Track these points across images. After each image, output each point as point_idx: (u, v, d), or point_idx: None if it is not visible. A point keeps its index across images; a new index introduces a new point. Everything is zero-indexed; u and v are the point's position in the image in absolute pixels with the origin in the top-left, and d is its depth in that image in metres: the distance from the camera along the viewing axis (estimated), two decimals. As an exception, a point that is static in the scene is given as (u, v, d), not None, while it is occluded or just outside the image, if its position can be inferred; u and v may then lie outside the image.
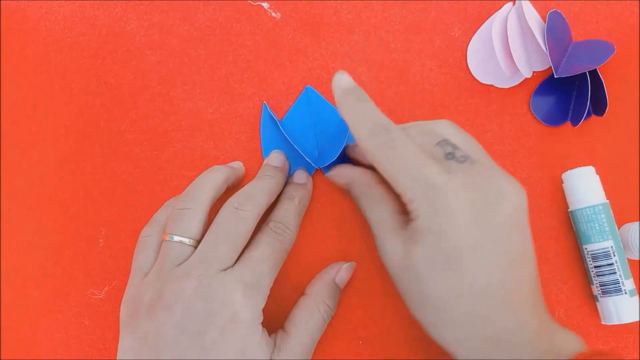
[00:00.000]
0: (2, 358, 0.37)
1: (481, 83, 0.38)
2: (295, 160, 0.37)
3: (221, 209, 0.32)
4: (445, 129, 0.30)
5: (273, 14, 0.38)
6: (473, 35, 0.38)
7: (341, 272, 0.35)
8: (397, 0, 0.38)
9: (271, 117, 0.37)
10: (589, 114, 0.37)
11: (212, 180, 0.33)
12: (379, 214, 0.31)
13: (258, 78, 0.38)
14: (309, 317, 0.32)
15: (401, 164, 0.28)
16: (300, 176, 0.36)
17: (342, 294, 0.35)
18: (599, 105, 0.36)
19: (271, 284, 0.31)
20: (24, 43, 0.38)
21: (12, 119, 0.38)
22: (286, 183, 0.36)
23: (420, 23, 0.38)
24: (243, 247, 0.31)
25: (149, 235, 0.33)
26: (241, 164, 0.37)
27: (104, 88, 0.38)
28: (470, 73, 0.38)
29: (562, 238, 0.37)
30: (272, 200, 0.34)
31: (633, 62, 0.38)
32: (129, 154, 0.38)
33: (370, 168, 0.33)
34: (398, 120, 0.37)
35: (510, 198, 0.28)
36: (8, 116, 0.38)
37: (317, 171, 0.37)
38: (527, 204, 0.29)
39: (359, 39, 0.38)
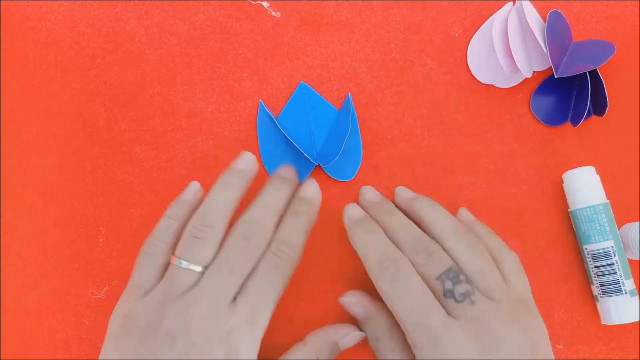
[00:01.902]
0: (2, 358, 0.37)
1: (481, 83, 0.38)
2: (293, 158, 0.36)
3: (229, 238, 0.31)
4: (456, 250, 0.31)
5: (273, 13, 0.38)
6: (473, 35, 0.38)
7: (348, 337, 0.33)
8: (397, 0, 0.38)
9: (268, 114, 0.37)
10: (589, 114, 0.37)
11: (228, 201, 0.32)
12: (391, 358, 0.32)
13: (258, 77, 0.38)
14: None
15: (406, 305, 0.29)
16: (309, 190, 0.34)
17: (342, 292, 0.35)
18: (599, 105, 0.36)
19: (271, 314, 0.30)
20: (24, 43, 0.38)
21: (12, 119, 0.38)
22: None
23: (420, 23, 0.38)
24: (249, 274, 0.30)
25: (152, 253, 0.32)
26: (253, 157, 0.34)
27: (104, 88, 0.38)
28: (470, 73, 0.38)
29: (562, 238, 0.37)
30: (281, 216, 0.33)
31: (633, 62, 0.38)
32: (129, 153, 0.38)
33: None
34: (398, 120, 0.37)
35: (508, 344, 0.28)
36: (8, 116, 0.38)
37: (317, 168, 0.37)
38: (546, 335, 0.30)
39: (359, 39, 0.38)
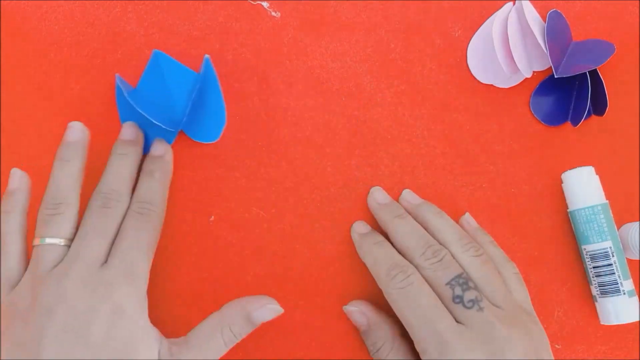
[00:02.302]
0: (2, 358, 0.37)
1: (481, 83, 0.38)
2: (156, 127, 0.36)
3: (87, 211, 0.32)
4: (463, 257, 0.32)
5: (273, 14, 0.38)
6: (473, 35, 0.38)
7: (263, 310, 0.32)
8: (397, 0, 0.38)
9: (120, 88, 0.36)
10: (589, 114, 0.37)
11: (71, 174, 0.33)
12: None
13: (258, 77, 0.38)
14: (211, 337, 0.31)
15: (415, 312, 0.30)
16: (158, 148, 0.35)
17: (342, 290, 0.35)
18: (599, 105, 0.36)
19: (149, 267, 0.32)
20: (24, 43, 0.38)
21: (12, 119, 0.38)
22: (145, 156, 0.35)
23: (420, 23, 0.38)
24: (114, 237, 0.31)
25: (5, 246, 0.32)
26: (80, 125, 0.34)
27: (104, 88, 0.38)
28: (470, 73, 0.38)
29: (561, 238, 0.37)
30: (134, 177, 0.34)
31: (633, 62, 0.38)
32: (129, 153, 0.38)
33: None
34: (398, 120, 0.37)
35: (513, 348, 0.29)
36: (8, 116, 0.38)
37: (182, 134, 0.36)
38: (546, 340, 0.31)
39: (359, 39, 0.38)
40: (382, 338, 0.33)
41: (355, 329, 0.36)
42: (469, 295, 0.30)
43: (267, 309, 0.33)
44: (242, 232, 0.37)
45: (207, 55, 0.36)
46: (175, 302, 0.36)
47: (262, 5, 0.38)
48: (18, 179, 0.34)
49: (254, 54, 0.38)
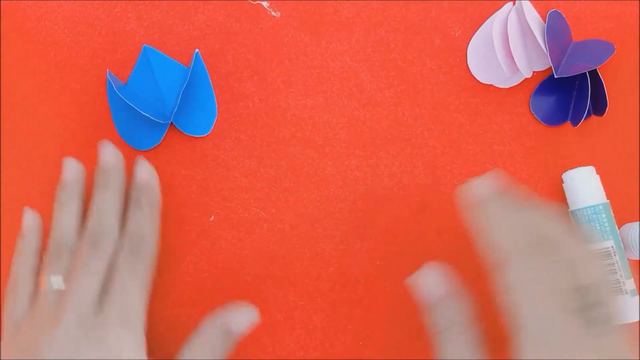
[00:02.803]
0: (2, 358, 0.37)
1: (481, 83, 0.38)
2: (146, 121, 0.36)
3: (78, 249, 0.31)
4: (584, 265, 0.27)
5: (273, 13, 0.38)
6: (473, 35, 0.38)
7: (240, 319, 0.32)
8: (397, 0, 0.38)
9: (111, 85, 0.36)
10: (589, 114, 0.37)
11: (72, 218, 0.33)
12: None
13: (258, 77, 0.38)
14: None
15: (539, 304, 0.26)
16: (141, 174, 0.34)
17: (342, 290, 0.35)
18: (599, 105, 0.36)
19: (145, 307, 0.30)
20: (24, 43, 0.38)
21: (12, 119, 0.38)
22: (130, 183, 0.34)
23: (420, 23, 0.38)
24: (106, 274, 0.30)
25: (19, 286, 0.32)
26: (75, 163, 0.34)
27: (104, 88, 0.38)
28: (470, 73, 0.38)
29: (562, 238, 0.37)
30: (121, 206, 0.33)
31: (633, 62, 0.38)
32: (129, 153, 0.37)
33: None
34: (398, 120, 0.37)
35: None
36: (8, 116, 0.38)
37: (173, 127, 0.37)
38: None
39: (359, 39, 0.38)
40: (456, 316, 0.28)
41: (356, 330, 0.35)
42: (599, 311, 0.26)
43: (245, 316, 0.32)
44: (242, 232, 0.37)
45: (196, 50, 0.36)
46: (175, 302, 0.36)
47: (262, 5, 0.38)
48: (31, 220, 0.35)
49: (254, 54, 0.38)
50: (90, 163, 0.37)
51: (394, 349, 0.36)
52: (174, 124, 0.37)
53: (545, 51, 0.36)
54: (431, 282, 0.29)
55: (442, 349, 0.28)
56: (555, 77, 0.35)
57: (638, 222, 0.35)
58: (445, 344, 0.28)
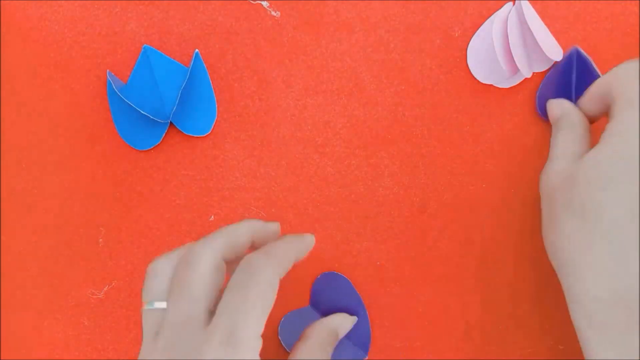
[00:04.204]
0: (2, 358, 0.37)
1: (481, 83, 0.38)
2: (147, 121, 0.36)
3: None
4: None
5: (273, 13, 0.38)
6: (473, 35, 0.38)
7: (345, 322, 0.35)
8: (397, 0, 0.38)
9: (111, 85, 0.36)
10: (589, 114, 0.37)
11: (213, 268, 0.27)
12: (571, 144, 0.32)
13: (258, 77, 0.38)
14: None
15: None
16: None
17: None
18: (599, 105, 0.36)
19: (261, 327, 0.27)
20: (24, 43, 0.38)
21: (12, 119, 0.38)
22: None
23: (420, 23, 0.38)
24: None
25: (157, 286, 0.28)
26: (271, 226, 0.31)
27: (104, 88, 0.38)
28: (470, 73, 0.38)
29: (562, 238, 0.36)
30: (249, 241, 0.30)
31: (633, 62, 0.38)
32: (129, 154, 0.38)
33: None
34: (398, 120, 0.37)
35: None
36: (8, 116, 0.38)
37: (173, 127, 0.37)
38: None
39: (359, 38, 0.38)
40: (576, 120, 0.33)
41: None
42: None
43: (349, 321, 0.35)
44: (242, 232, 0.37)
45: (196, 50, 0.37)
46: (174, 303, 0.36)
47: (262, 5, 0.38)
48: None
49: (254, 54, 0.38)
50: (90, 163, 0.37)
51: (394, 349, 0.36)
52: (174, 123, 0.37)
53: (546, 51, 0.36)
54: (555, 106, 0.34)
55: (555, 132, 0.33)
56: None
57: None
58: (558, 131, 0.33)
